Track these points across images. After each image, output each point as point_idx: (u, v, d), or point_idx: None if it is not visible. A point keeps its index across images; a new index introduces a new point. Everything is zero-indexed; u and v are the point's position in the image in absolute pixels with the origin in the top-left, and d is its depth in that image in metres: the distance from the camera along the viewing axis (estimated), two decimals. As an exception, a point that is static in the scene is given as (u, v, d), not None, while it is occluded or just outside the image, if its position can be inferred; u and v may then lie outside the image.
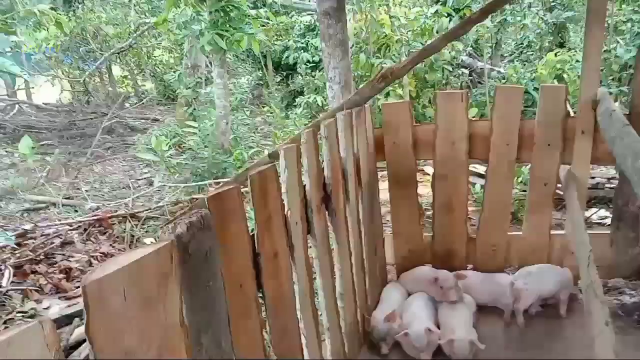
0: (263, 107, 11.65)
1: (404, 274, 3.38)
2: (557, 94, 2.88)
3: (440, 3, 8.11)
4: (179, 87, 8.07)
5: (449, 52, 7.43)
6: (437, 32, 7.19)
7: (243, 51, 10.52)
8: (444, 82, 7.71)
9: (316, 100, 8.14)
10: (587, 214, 4.11)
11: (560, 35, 9.58)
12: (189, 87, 7.96)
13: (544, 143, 2.96)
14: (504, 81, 7.79)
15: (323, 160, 2.42)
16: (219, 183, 5.89)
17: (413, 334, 2.74)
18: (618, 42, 9.31)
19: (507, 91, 2.98)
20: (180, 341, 1.28)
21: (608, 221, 3.69)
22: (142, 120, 11.25)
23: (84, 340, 3.07)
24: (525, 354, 2.75)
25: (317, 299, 2.36)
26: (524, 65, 9.40)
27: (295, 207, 2.07)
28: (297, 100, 8.75)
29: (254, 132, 8.67)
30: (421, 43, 7.44)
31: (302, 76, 10.80)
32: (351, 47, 7.78)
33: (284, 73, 13.09)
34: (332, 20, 2.89)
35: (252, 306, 1.73)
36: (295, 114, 7.61)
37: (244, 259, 1.70)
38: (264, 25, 7.13)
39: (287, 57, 11.05)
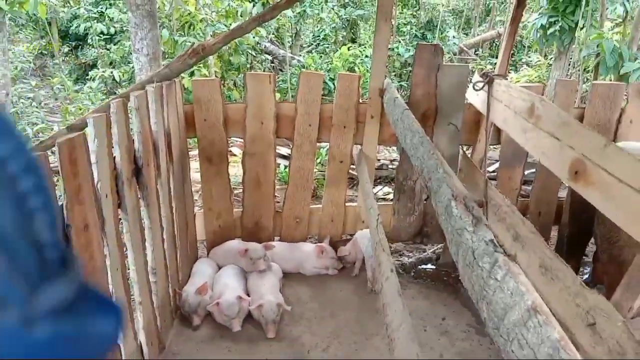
0: (48, 79, 10.38)
1: (215, 248, 3.47)
2: (352, 81, 3.26)
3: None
4: None
5: (253, 37, 7.63)
6: (240, 16, 7.33)
7: (23, 15, 9.20)
8: (248, 66, 7.90)
9: (112, 75, 7.59)
10: (374, 190, 4.72)
11: (352, 31, 10.59)
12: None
13: (340, 125, 3.32)
14: (303, 69, 8.32)
15: (133, 133, 2.35)
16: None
17: (224, 303, 2.86)
18: (399, 42, 10.73)
19: (310, 76, 3.25)
20: None
21: (391, 196, 4.29)
22: None
23: None
24: (326, 310, 3.09)
25: (129, 273, 2.31)
26: (321, 56, 10.17)
27: (105, 179, 1.99)
28: (90, 73, 8.02)
29: (37, 107, 7.70)
30: (225, 25, 7.50)
31: (94, 48, 9.91)
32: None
33: (72, 44, 11.84)
34: (140, -10, 2.79)
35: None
36: (90, 87, 6.99)
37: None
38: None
39: (77, 27, 10.00)
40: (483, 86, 3.06)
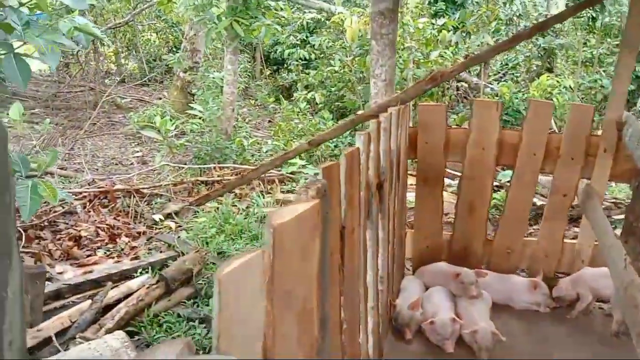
0: (249, 98, 11.67)
1: (422, 268, 3.55)
2: (585, 113, 3.12)
3: (443, 16, 8.44)
4: (177, 69, 8.03)
5: (446, 65, 7.70)
6: (440, 43, 7.46)
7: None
8: (440, 93, 7.99)
9: (314, 97, 8.28)
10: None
11: (548, 60, 10.05)
12: (187, 70, 7.96)
13: (567, 157, 3.19)
14: (497, 98, 8.13)
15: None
16: (222, 167, 5.94)
17: (439, 322, 2.91)
18: (600, 72, 9.89)
19: (539, 105, 3.20)
20: (314, 292, 1.41)
21: None
22: (127, 100, 11.08)
23: (117, 302, 3.11)
24: (539, 346, 2.96)
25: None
26: (507, 84, 9.83)
27: (363, 189, 2.20)
28: (295, 95, 8.85)
29: (241, 119, 8.69)
30: (421, 52, 7.71)
31: (292, 72, 10.86)
32: (358, 48, 7.98)
33: (274, 67, 13.14)
34: (386, 20, 3.03)
35: (337, 275, 1.85)
36: (299, 108, 7.74)
37: (336, 230, 1.82)
38: (277, 17, 7.22)
39: (281, 52, 11.11)
40: None
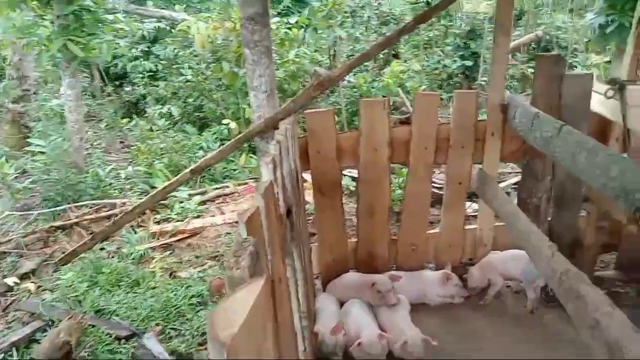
0: (92, 120, 10.49)
1: (332, 282, 3.35)
2: (469, 99, 3.13)
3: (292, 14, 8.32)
4: (5, 100, 6.83)
5: (309, 63, 7.64)
6: (294, 42, 7.32)
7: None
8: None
9: (170, 111, 7.63)
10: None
11: (392, 47, 10.51)
12: (16, 100, 6.81)
13: (458, 145, 3.19)
14: (355, 90, 8.23)
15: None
16: (78, 206, 5.14)
17: (366, 343, 2.72)
18: (440, 54, 10.64)
19: (425, 98, 3.15)
20: None
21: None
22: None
23: None
24: (467, 343, 2.92)
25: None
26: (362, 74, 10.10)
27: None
28: (148, 110, 8.07)
29: (90, 147, 7.73)
30: (276, 53, 7.49)
31: (137, 86, 9.97)
32: (210, 55, 7.51)
33: (116, 83, 12.00)
34: (258, 26, 2.72)
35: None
36: (156, 125, 7.04)
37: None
38: (116, 31, 6.44)
39: (122, 66, 10.12)
40: (615, 93, 2.91)
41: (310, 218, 3.58)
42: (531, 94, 3.07)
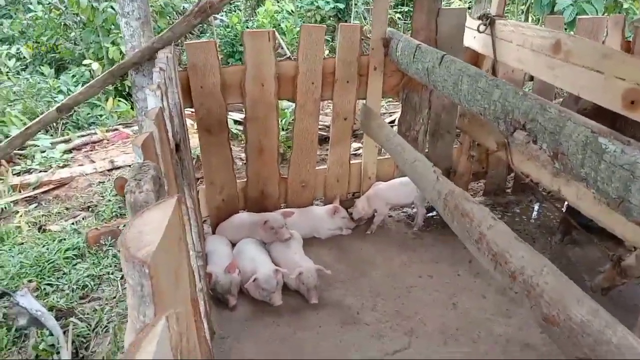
0: None
1: (222, 224, 3.27)
2: (353, 32, 3.12)
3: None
4: None
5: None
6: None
7: None
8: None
9: (20, 52, 6.66)
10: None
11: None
12: None
13: (343, 80, 3.20)
14: (228, 29, 7.87)
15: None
16: None
17: (262, 278, 2.72)
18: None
19: (312, 30, 3.05)
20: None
21: (361, 152, 4.19)
22: None
23: None
24: (356, 271, 3.05)
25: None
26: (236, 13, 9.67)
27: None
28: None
29: None
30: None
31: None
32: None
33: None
34: (126, -58, 2.41)
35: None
36: (7, 67, 6.10)
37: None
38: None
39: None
40: (486, 28, 3.09)
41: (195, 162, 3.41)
42: (410, 30, 3.14)
